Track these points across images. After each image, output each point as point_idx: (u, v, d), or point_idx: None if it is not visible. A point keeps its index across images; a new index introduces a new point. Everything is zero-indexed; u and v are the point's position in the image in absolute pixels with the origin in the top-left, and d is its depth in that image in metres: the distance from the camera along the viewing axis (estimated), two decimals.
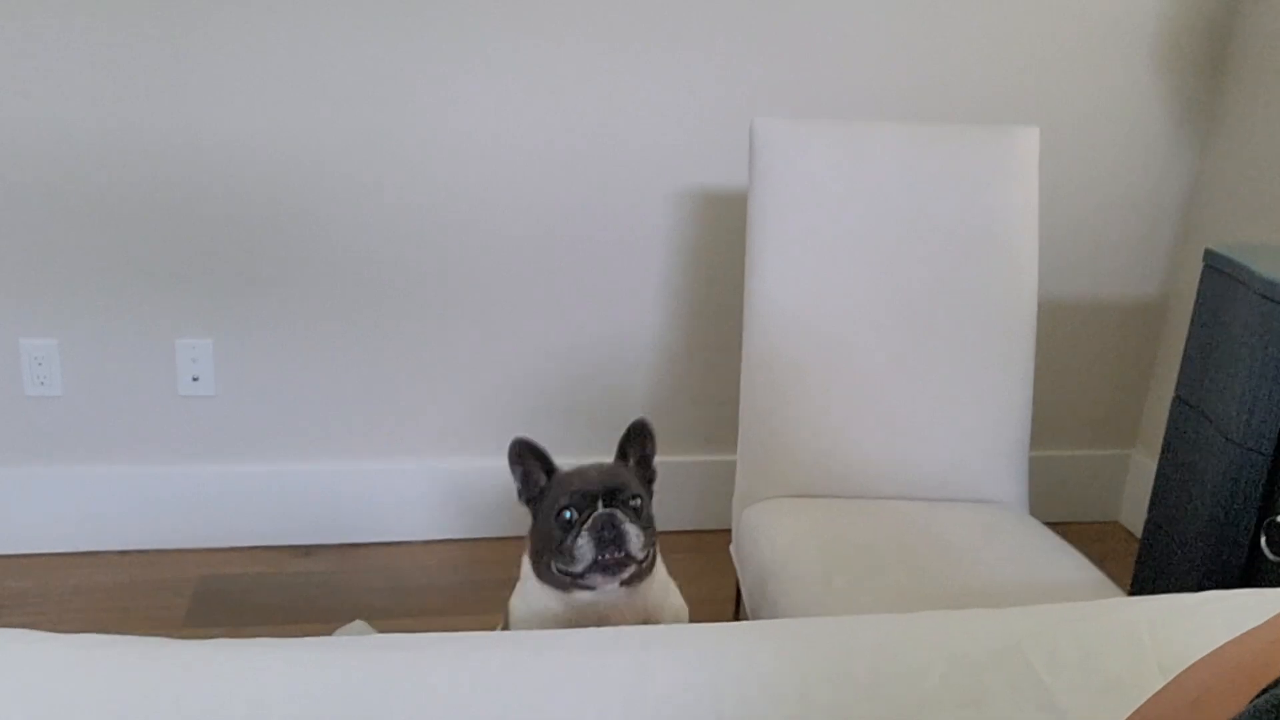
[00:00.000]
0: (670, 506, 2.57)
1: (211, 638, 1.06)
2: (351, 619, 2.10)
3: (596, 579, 1.32)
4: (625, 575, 1.33)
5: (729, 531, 1.91)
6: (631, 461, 1.45)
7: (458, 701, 0.96)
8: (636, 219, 2.36)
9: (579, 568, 1.31)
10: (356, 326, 2.34)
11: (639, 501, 1.35)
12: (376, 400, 2.40)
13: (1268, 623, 0.68)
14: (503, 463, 2.45)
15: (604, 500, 1.32)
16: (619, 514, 1.31)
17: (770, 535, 1.70)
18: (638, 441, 1.45)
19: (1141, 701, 0.72)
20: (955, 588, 1.53)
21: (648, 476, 1.45)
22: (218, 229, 2.23)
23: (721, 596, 2.10)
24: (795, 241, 1.78)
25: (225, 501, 2.40)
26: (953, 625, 1.13)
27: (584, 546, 1.29)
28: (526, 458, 1.42)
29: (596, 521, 1.30)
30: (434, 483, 2.48)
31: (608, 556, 1.29)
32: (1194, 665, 0.70)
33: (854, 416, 1.79)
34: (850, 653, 1.07)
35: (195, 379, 2.32)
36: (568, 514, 1.32)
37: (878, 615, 1.20)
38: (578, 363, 2.44)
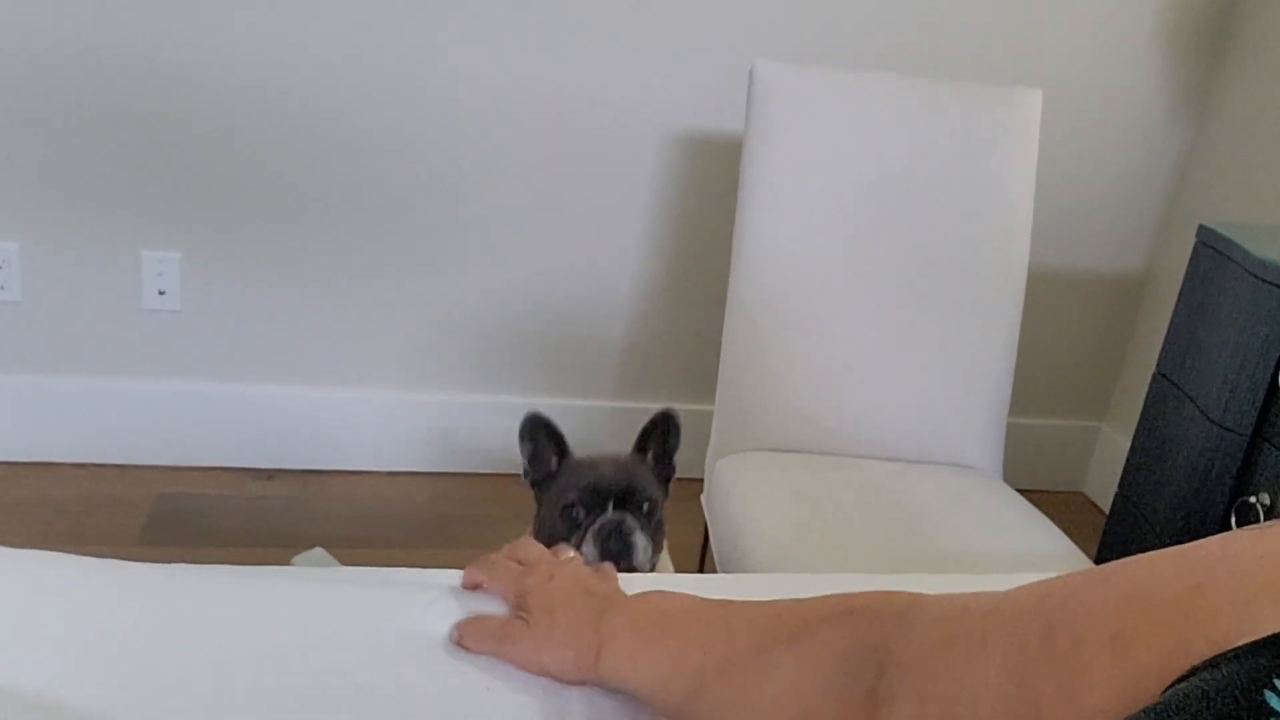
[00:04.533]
0: None
1: (166, 557, 1.03)
2: (311, 546, 2.07)
3: None
4: None
5: (700, 481, 1.89)
6: (650, 455, 1.35)
7: (430, 642, 0.93)
8: (625, 159, 2.31)
9: None
10: (331, 251, 2.29)
11: (652, 506, 1.26)
12: (347, 326, 2.36)
13: (1185, 563, 0.59)
14: (472, 398, 2.45)
15: (616, 503, 1.23)
16: (629, 521, 1.22)
17: (744, 488, 1.69)
18: (660, 434, 1.35)
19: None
20: (930, 550, 1.53)
21: (665, 474, 1.36)
22: (191, 141, 2.16)
23: (687, 545, 2.09)
24: (788, 191, 1.74)
25: (187, 419, 2.36)
26: (935, 589, 1.11)
27: (587, 553, 1.20)
28: (539, 434, 1.30)
29: (604, 528, 1.21)
30: (400, 414, 2.45)
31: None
32: (1104, 591, 0.61)
33: (836, 374, 1.77)
34: None
35: (161, 292, 2.26)
36: (575, 512, 1.23)
37: (855, 574, 1.18)
38: (556, 303, 2.40)
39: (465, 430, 2.47)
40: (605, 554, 1.20)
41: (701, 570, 1.98)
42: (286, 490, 2.37)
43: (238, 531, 2.23)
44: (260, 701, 0.84)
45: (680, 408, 2.47)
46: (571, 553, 0.94)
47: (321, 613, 0.96)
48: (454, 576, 1.05)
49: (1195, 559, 0.58)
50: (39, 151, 2.13)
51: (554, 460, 1.31)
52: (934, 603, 0.73)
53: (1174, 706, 0.48)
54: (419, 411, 2.45)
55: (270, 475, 2.40)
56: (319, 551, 2.05)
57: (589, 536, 1.21)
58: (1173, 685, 0.51)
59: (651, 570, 1.30)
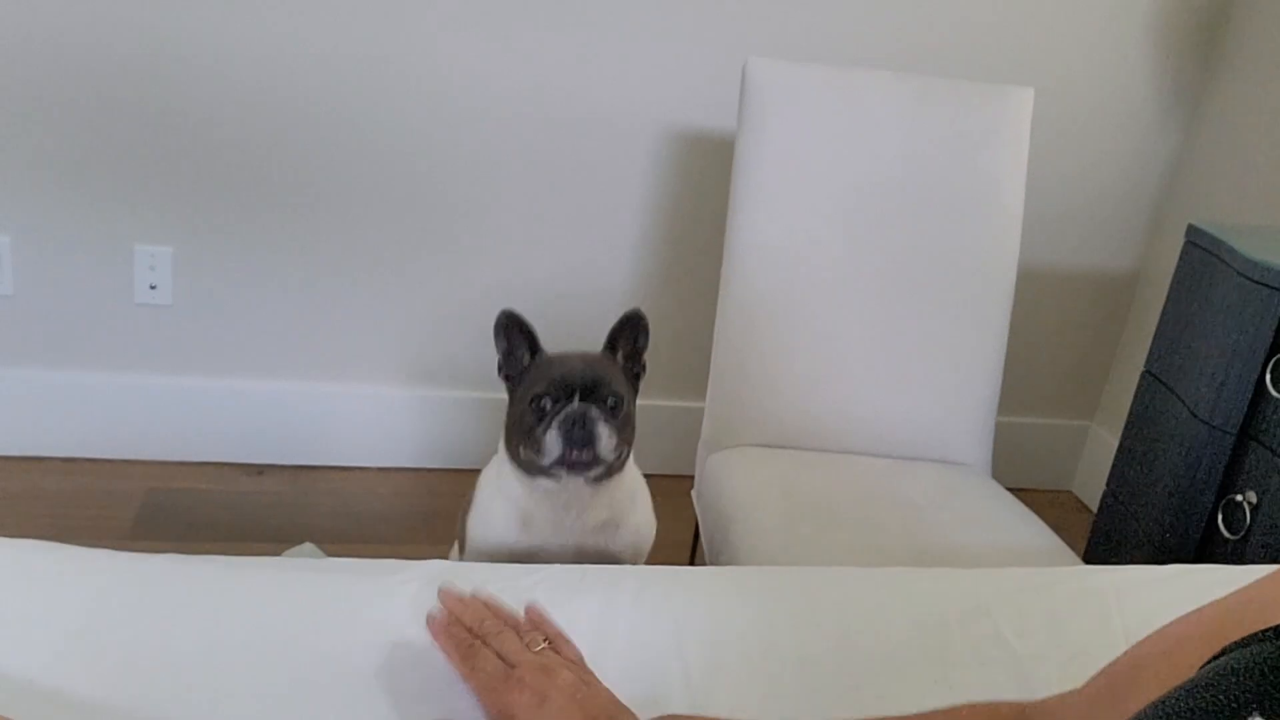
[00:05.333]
0: (634, 449, 2.56)
1: (157, 551, 1.03)
2: (301, 541, 2.07)
3: (561, 473, 1.28)
4: (592, 475, 1.29)
5: (691, 477, 1.90)
6: (620, 355, 1.39)
7: (414, 630, 0.93)
8: (618, 155, 2.31)
9: (545, 461, 1.26)
10: (323, 247, 2.28)
11: (618, 400, 1.30)
12: (338, 322, 2.36)
13: (1226, 597, 0.66)
14: (464, 395, 2.44)
15: (581, 394, 1.27)
16: (593, 411, 1.26)
17: (735, 483, 1.69)
18: (629, 333, 1.39)
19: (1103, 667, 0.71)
20: (918, 546, 1.53)
21: (635, 370, 1.40)
22: (184, 135, 2.16)
23: (677, 540, 2.09)
24: (781, 188, 1.75)
25: (178, 414, 2.35)
26: (920, 582, 1.12)
27: (552, 441, 1.24)
28: (512, 331, 1.36)
29: (569, 417, 1.25)
30: (391, 410, 2.45)
31: (575, 455, 1.25)
32: (1154, 636, 0.68)
33: (827, 370, 1.78)
34: (818, 603, 1.06)
35: (153, 287, 2.25)
36: (543, 402, 1.27)
37: (845, 568, 1.19)
38: (548, 299, 2.40)
39: (456, 426, 2.47)
40: (569, 442, 1.24)
41: (692, 565, 1.99)
42: (277, 485, 2.37)
43: (228, 526, 2.22)
44: (251, 686, 0.84)
45: (672, 404, 2.50)
46: (543, 644, 0.88)
47: (310, 601, 0.96)
48: (439, 566, 1.05)
49: (1272, 582, 0.60)
50: (32, 145, 2.13)
51: (527, 356, 1.36)
52: (1043, 706, 0.75)
53: (1204, 683, 0.49)
54: (410, 407, 2.45)
55: (261, 470, 2.40)
56: (309, 547, 2.05)
57: (554, 425, 1.25)
58: (1206, 664, 0.52)
59: (620, 464, 1.32)
